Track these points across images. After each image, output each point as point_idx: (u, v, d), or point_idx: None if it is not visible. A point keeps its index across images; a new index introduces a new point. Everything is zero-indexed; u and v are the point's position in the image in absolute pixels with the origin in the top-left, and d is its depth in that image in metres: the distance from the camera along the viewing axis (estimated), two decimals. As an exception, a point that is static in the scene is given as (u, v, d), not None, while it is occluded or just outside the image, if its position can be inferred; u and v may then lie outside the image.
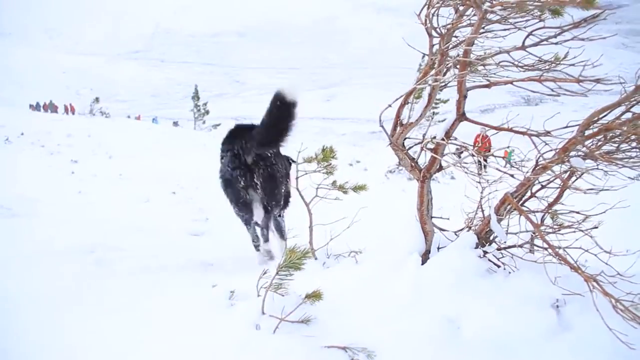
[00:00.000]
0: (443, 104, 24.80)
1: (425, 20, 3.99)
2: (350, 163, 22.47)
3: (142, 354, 3.61)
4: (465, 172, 3.95)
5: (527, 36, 3.47)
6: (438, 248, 4.33)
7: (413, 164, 4.38)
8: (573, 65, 3.40)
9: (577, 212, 4.03)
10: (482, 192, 4.37)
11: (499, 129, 3.78)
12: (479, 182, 4.28)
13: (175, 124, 57.34)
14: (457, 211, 4.87)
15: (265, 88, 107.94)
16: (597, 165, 3.76)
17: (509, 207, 3.93)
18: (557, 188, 4.14)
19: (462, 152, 4.11)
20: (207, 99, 61.42)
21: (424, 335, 3.40)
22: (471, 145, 4.01)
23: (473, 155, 3.95)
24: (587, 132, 3.48)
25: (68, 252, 6.34)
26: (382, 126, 4.27)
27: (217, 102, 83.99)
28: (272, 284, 3.51)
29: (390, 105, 4.09)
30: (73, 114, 48.00)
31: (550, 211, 4.19)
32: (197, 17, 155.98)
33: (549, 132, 3.51)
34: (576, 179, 4.14)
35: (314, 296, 3.55)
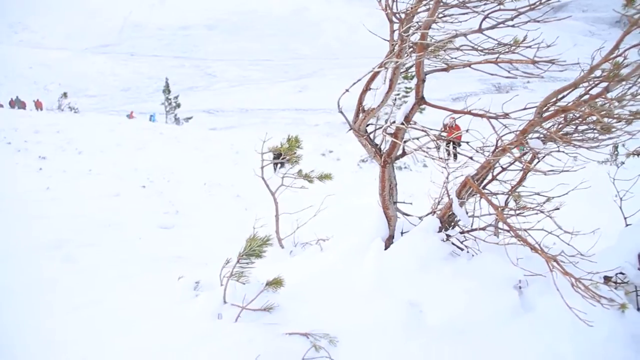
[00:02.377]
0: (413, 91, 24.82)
1: (385, 5, 3.97)
2: (322, 153, 22.43)
3: (109, 347, 3.60)
4: (425, 157, 3.94)
5: (484, 19, 3.47)
6: (402, 233, 4.34)
7: (375, 150, 4.37)
8: (530, 47, 3.42)
9: (538, 194, 4.06)
10: (447, 177, 4.38)
11: (458, 112, 3.78)
12: (445, 167, 4.29)
13: (178, 121, 53.98)
14: (426, 197, 4.89)
15: (236, 80, 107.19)
16: (558, 147, 3.80)
17: (470, 190, 3.95)
18: (519, 170, 4.17)
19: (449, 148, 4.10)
20: (178, 92, 60.77)
21: (386, 319, 3.41)
22: (435, 130, 4.01)
23: (436, 141, 3.96)
24: (547, 115, 3.51)
25: (34, 249, 6.25)
26: (341, 112, 4.26)
27: (188, 95, 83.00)
28: (233, 273, 3.49)
29: (347, 90, 4.07)
30: (41, 109, 47.07)
31: (513, 193, 4.22)
32: (166, 10, 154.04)
33: (507, 115, 3.52)
34: (538, 162, 4.17)
35: (275, 283, 3.54)
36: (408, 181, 11.84)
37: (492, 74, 3.55)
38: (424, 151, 3.99)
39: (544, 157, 4.15)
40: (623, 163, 18.47)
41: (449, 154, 16.62)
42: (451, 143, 16.77)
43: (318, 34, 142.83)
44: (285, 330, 3.31)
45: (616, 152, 21.90)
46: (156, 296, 4.35)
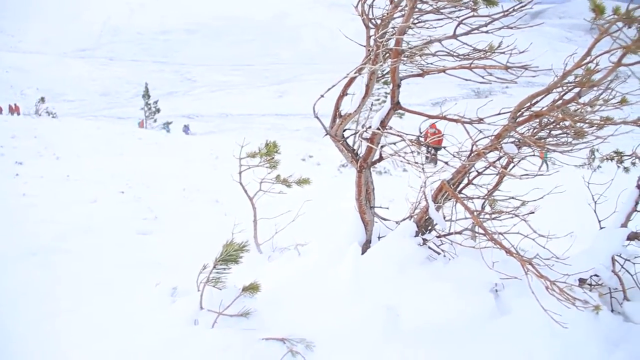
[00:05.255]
0: (393, 97, 24.86)
1: (362, 11, 4.00)
2: (303, 158, 22.45)
3: (84, 354, 3.57)
4: (401, 162, 3.97)
5: (458, 25, 3.51)
6: (379, 237, 4.36)
7: (352, 155, 4.38)
8: (504, 53, 3.46)
9: (513, 198, 4.10)
10: (425, 182, 4.39)
11: (433, 117, 3.82)
12: (422, 172, 4.30)
13: (186, 129, 52.15)
14: (405, 202, 4.91)
15: (216, 85, 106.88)
16: (533, 151, 3.85)
17: (446, 194, 3.98)
18: (495, 175, 4.21)
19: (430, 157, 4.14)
20: (157, 97, 60.46)
21: (363, 324, 3.42)
22: (411, 135, 4.04)
23: (412, 145, 3.98)
24: (521, 120, 3.56)
25: (9, 256, 6.15)
26: (317, 117, 4.27)
27: (168, 100, 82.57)
28: (209, 279, 3.48)
29: (322, 96, 4.09)
30: (18, 114, 46.37)
31: (489, 198, 4.26)
32: (145, 15, 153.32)
33: (481, 120, 3.56)
34: (513, 166, 4.22)
35: (251, 289, 3.54)
36: (388, 186, 11.86)
37: (466, 79, 3.58)
38: (400, 156, 4.02)
39: (519, 161, 4.20)
40: (600, 167, 18.74)
41: (428, 159, 16.76)
42: (432, 148, 16.94)
43: (298, 39, 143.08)
44: (262, 335, 3.30)
45: (593, 157, 22.16)
46: (133, 302, 4.31)
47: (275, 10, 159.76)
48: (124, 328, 3.77)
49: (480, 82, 3.54)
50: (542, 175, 3.93)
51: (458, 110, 3.81)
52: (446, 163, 3.87)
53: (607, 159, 5.09)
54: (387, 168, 18.86)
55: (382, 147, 4.19)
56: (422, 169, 3.94)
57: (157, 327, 3.56)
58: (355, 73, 4.07)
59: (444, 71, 3.69)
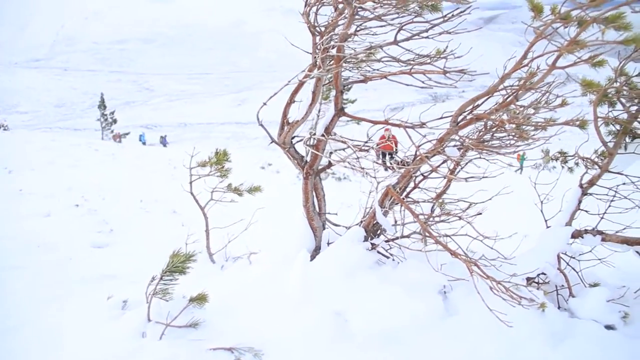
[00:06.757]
0: (351, 104, 25.12)
1: (308, 18, 4.01)
2: (262, 166, 22.42)
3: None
4: (345, 167, 3.99)
5: (398, 31, 3.56)
6: (328, 243, 4.37)
7: (298, 162, 4.39)
8: (444, 58, 3.52)
9: (459, 200, 4.16)
10: (376, 187, 4.42)
11: (376, 122, 3.86)
12: (374, 177, 4.33)
13: (163, 140, 49.34)
14: (360, 208, 4.93)
15: (175, 95, 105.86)
16: (480, 154, 3.91)
17: (392, 199, 4.01)
18: (441, 178, 4.26)
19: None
20: (114, 107, 59.51)
21: (311, 330, 3.43)
22: (358, 141, 4.06)
23: (357, 152, 4.00)
24: (462, 123, 3.61)
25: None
26: (261, 125, 4.26)
27: (125, 111, 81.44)
28: (156, 290, 3.44)
29: (265, 104, 4.09)
30: (-32, 128, 45.10)
31: (437, 201, 4.31)
32: (100, 24, 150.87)
33: (424, 124, 3.60)
34: (460, 169, 4.28)
35: (199, 299, 3.51)
36: (347, 192, 11.92)
37: (407, 85, 3.62)
38: (347, 162, 4.04)
39: (466, 164, 4.27)
40: (555, 167, 19.15)
41: (385, 165, 16.93)
42: (387, 154, 17.14)
43: (256, 46, 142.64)
44: (209, 345, 3.28)
45: (549, 158, 22.53)
46: (84, 317, 4.23)
47: (231, 18, 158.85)
48: (73, 342, 3.70)
49: (421, 87, 3.59)
50: (486, 177, 3.99)
51: (413, 115, 3.85)
52: (390, 169, 3.91)
53: (552, 159, 5.21)
54: (346, 174, 18.94)
55: (330, 153, 4.21)
56: (367, 173, 3.97)
57: (105, 341, 3.50)
58: (298, 80, 4.08)
59: (385, 77, 3.73)
